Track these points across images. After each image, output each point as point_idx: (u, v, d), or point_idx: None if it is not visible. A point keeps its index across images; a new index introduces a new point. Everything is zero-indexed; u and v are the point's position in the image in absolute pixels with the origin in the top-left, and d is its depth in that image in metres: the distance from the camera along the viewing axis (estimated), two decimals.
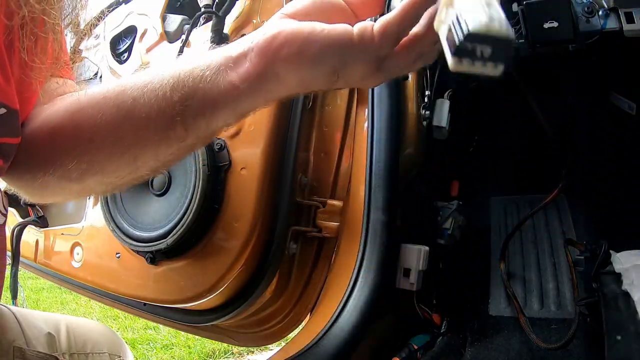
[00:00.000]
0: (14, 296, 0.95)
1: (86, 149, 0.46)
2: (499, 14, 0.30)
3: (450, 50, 0.31)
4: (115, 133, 0.45)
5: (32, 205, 0.98)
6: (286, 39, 0.41)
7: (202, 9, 0.79)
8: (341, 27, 0.40)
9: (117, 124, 0.45)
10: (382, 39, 0.39)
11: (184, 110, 0.43)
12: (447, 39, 0.32)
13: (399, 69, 0.42)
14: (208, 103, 0.43)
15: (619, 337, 0.55)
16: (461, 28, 0.30)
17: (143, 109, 0.43)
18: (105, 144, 0.46)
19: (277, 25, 0.42)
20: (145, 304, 0.83)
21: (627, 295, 0.58)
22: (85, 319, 0.77)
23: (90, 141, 0.46)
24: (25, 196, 0.53)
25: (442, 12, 0.33)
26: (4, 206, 0.49)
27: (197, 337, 2.23)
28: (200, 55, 0.44)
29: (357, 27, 0.39)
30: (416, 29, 0.40)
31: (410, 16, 0.39)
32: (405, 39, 0.40)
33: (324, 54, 0.40)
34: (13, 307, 0.65)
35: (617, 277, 0.60)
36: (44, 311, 0.75)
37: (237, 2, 0.78)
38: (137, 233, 0.74)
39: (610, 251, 0.63)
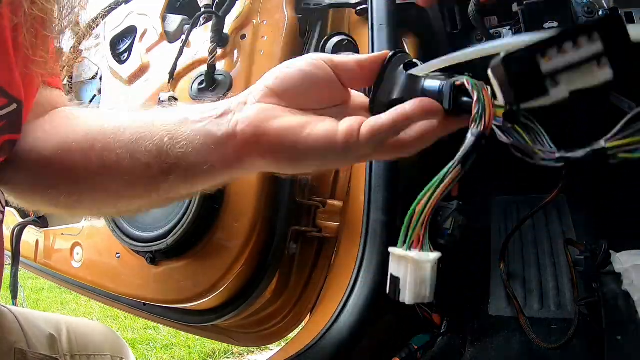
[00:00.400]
0: (14, 296, 0.95)
1: (73, 189, 0.47)
2: (430, 290, 0.34)
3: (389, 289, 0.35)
4: (99, 184, 0.46)
5: None
6: (273, 140, 0.39)
7: (202, 9, 0.79)
8: (326, 131, 0.39)
9: (102, 177, 0.45)
10: (367, 143, 0.38)
11: (165, 180, 0.43)
12: (389, 280, 0.36)
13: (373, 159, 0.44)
14: (189, 177, 0.43)
15: (619, 338, 0.54)
16: (399, 293, 0.35)
17: (127, 169, 0.43)
18: (90, 190, 0.47)
19: (265, 115, 0.40)
20: (145, 304, 0.83)
21: (627, 296, 0.57)
22: (87, 320, 0.77)
23: (76, 184, 0.46)
24: (16, 202, 0.53)
25: (395, 261, 0.36)
26: (1, 204, 0.49)
27: (197, 337, 2.23)
28: (183, 119, 0.43)
29: (343, 129, 0.38)
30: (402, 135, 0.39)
31: (402, 127, 0.38)
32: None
33: (306, 158, 0.40)
34: (14, 308, 0.65)
35: (617, 277, 0.60)
36: (44, 311, 0.75)
37: (237, 2, 0.78)
38: (137, 233, 0.74)
39: (611, 251, 0.63)
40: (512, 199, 0.89)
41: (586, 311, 0.65)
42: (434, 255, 0.35)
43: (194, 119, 0.42)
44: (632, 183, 0.78)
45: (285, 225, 0.72)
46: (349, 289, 0.67)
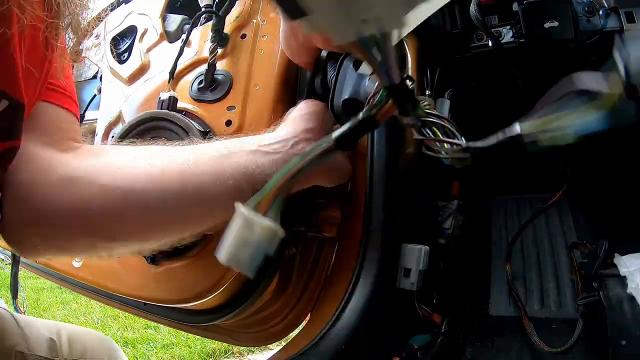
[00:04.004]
0: (14, 296, 0.95)
1: (145, 231, 0.51)
2: (248, 259, 0.33)
3: None
4: (181, 211, 0.50)
5: None
6: (335, 171, 0.65)
7: (203, 9, 0.79)
8: (349, 167, 0.68)
9: (185, 204, 0.50)
10: None
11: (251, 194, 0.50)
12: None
13: None
14: None
15: (623, 342, 0.54)
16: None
17: (214, 194, 0.50)
18: (178, 223, 0.52)
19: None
20: (145, 304, 0.83)
21: (632, 299, 0.57)
22: (84, 328, 0.78)
23: (157, 224, 0.51)
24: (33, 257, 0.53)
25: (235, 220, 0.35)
26: None
27: (197, 336, 2.23)
28: (254, 150, 0.54)
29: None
30: None
31: None
32: None
33: (341, 182, 0.68)
34: (15, 314, 0.66)
35: (622, 281, 0.59)
36: (44, 311, 0.76)
37: (237, 1, 0.78)
38: None
39: (615, 254, 0.63)
40: (512, 198, 0.89)
41: (587, 310, 0.65)
42: (268, 223, 0.33)
43: (267, 150, 0.54)
44: (633, 183, 0.78)
45: (285, 225, 0.71)
46: (349, 289, 0.67)
